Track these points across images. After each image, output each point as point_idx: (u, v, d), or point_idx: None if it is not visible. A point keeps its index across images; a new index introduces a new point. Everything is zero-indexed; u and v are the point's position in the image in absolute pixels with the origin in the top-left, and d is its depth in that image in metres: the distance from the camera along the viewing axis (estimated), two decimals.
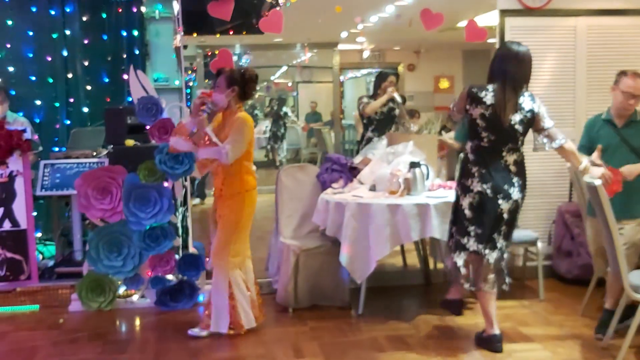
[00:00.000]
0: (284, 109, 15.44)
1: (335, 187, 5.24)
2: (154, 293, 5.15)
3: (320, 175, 5.45)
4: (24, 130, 5.26)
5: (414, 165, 4.88)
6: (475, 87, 4.08)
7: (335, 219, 4.85)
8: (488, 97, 4.00)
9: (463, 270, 4.10)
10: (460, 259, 4.11)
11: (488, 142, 4.03)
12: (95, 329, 4.79)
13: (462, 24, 8.45)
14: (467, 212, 4.08)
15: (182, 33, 5.43)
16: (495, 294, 4.14)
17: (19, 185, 5.27)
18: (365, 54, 12.11)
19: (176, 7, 5.52)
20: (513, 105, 4.00)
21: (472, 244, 4.07)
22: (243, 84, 4.41)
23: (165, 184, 5.11)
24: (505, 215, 4.04)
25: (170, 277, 5.21)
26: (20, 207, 5.28)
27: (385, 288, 5.45)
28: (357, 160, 5.58)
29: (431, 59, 12.93)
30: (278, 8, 6.05)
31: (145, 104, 5.03)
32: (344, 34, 10.15)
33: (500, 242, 4.08)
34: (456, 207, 4.23)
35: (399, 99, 6.39)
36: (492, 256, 4.06)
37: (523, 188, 4.11)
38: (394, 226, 4.63)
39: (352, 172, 5.42)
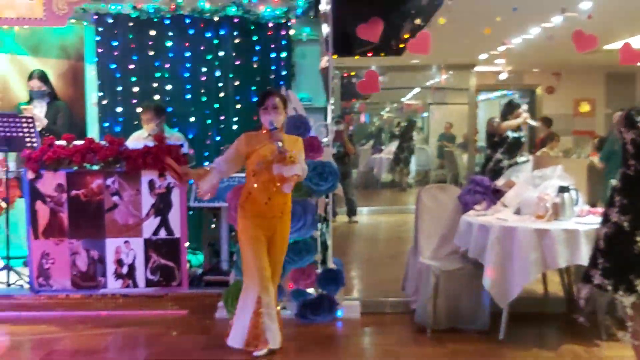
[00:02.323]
0: (415, 132, 15.46)
1: (478, 209, 5.20)
2: (295, 305, 5.31)
3: (462, 196, 5.42)
4: (181, 145, 5.63)
5: (563, 189, 4.76)
6: (633, 110, 3.80)
7: (479, 242, 4.81)
8: None
9: (630, 311, 3.62)
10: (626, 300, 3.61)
11: (634, 172, 3.67)
12: None
13: (609, 46, 8.20)
14: (600, 242, 3.70)
15: (332, 55, 5.58)
16: None
17: (175, 196, 5.63)
18: (502, 76, 11.92)
19: (325, 29, 5.69)
20: None
21: (597, 278, 3.67)
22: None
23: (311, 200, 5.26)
24: None
25: (310, 290, 5.34)
26: (175, 217, 5.64)
27: (525, 314, 5.29)
28: (500, 182, 5.51)
29: (571, 81, 12.57)
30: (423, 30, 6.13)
31: (294, 122, 5.22)
32: (483, 56, 10.09)
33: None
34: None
35: (533, 122, 6.40)
36: (628, 300, 3.58)
37: None
38: (540, 251, 4.54)
39: (495, 195, 5.35)
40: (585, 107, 13.24)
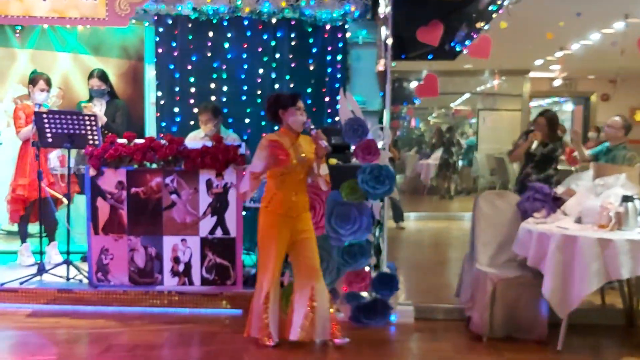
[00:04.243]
0: (459, 137, 15.26)
1: (537, 217, 5.12)
2: (348, 308, 5.30)
3: (521, 203, 5.35)
4: (239, 146, 5.68)
5: (626, 198, 4.67)
6: None
7: (538, 250, 4.74)
8: None
9: None
10: None
11: None
12: None
13: None
14: None
15: (391, 58, 5.56)
16: None
17: (232, 196, 5.68)
18: (556, 82, 11.73)
19: (384, 32, 5.68)
20: None
21: None
22: None
23: (367, 203, 5.25)
24: None
25: (364, 294, 5.33)
26: (231, 217, 5.69)
27: (583, 326, 5.20)
28: (559, 190, 5.42)
29: (628, 88, 12.29)
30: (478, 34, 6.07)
31: (352, 125, 5.23)
32: (538, 62, 9.94)
33: None
34: None
35: (533, 146, 6.54)
36: None
37: None
38: (602, 262, 4.45)
39: (555, 203, 5.27)
40: None
